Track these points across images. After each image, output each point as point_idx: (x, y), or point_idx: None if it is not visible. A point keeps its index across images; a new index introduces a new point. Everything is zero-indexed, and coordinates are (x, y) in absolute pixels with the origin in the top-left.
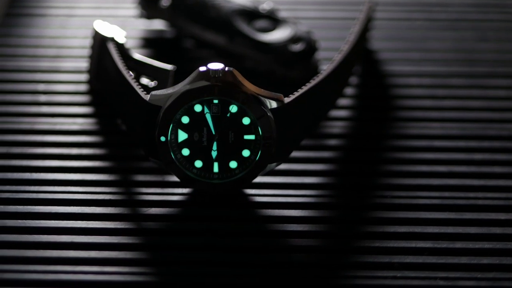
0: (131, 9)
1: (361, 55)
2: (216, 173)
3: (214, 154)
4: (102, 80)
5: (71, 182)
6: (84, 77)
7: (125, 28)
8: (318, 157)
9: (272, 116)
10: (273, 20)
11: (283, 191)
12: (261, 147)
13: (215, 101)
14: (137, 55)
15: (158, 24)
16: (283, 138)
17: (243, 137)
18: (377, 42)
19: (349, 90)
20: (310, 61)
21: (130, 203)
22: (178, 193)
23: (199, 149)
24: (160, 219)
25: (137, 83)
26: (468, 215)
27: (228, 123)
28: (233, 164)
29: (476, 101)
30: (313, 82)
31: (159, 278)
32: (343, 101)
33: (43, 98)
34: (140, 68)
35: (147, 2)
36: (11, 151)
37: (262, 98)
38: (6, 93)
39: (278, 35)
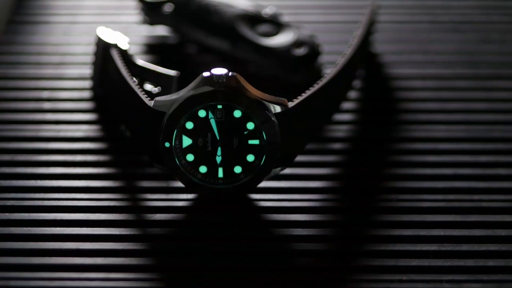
0: (134, 15)
1: (364, 58)
2: (220, 178)
3: (218, 159)
4: (106, 87)
5: (76, 189)
6: (88, 84)
7: (128, 34)
8: (323, 161)
9: (276, 121)
10: (276, 25)
11: (288, 195)
12: (265, 151)
13: (219, 106)
14: (141, 61)
15: (161, 30)
16: (287, 142)
17: (247, 142)
18: (381, 45)
19: (353, 94)
20: (314, 65)
21: (135, 209)
22: (183, 199)
23: (204, 154)
24: (165, 225)
25: (140, 89)
26: (474, 218)
27: (232, 128)
28: (237, 169)
29: (481, 103)
30: (316, 86)
31: (165, 284)
32: (347, 105)
33: (47, 105)
34: (143, 74)
35: (150, 8)
36: (15, 158)
37: (266, 103)
38: (10, 100)
39: (281, 39)
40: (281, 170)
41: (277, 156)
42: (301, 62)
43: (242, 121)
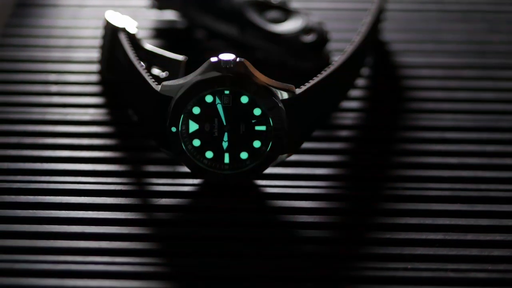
0: (143, 0)
1: (372, 46)
2: (226, 164)
3: (225, 145)
4: (113, 71)
5: (82, 172)
6: (95, 67)
7: (136, 18)
8: (329, 148)
9: (283, 107)
10: (284, 11)
11: (293, 182)
12: (272, 138)
13: (226, 92)
14: (149, 46)
15: (170, 15)
16: (294, 129)
17: (254, 128)
18: (389, 33)
19: (360, 81)
20: (322, 52)
21: (140, 194)
22: (189, 184)
23: (210, 139)
24: (170, 210)
25: (148, 74)
26: (480, 207)
27: (239, 114)
28: (244, 155)
29: (488, 93)
30: (324, 73)
31: (169, 269)
32: (354, 92)
33: (54, 88)
34: (151, 59)
35: None
36: (22, 141)
37: (274, 89)
38: (18, 83)
39: (289, 26)
40: (288, 156)
41: (283, 143)
42: (309, 49)
43: (249, 107)
